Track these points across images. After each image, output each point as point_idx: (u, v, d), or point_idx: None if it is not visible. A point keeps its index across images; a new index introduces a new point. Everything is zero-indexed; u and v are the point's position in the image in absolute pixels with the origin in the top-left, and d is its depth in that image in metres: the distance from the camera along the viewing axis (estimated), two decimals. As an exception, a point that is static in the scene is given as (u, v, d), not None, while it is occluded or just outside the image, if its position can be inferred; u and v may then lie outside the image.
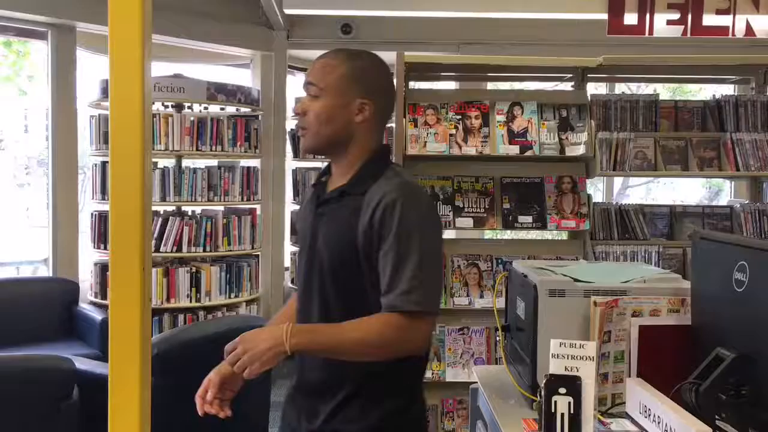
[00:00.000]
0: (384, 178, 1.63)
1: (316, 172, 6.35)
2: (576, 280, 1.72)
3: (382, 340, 1.52)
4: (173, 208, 5.32)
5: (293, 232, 6.06)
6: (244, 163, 5.71)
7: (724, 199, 6.24)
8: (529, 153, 3.40)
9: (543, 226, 3.43)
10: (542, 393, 1.27)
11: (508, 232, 3.59)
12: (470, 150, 3.39)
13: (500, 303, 2.07)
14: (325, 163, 1.79)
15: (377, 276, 1.57)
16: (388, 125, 5.69)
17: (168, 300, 5.12)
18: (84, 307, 5.02)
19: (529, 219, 3.42)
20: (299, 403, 1.71)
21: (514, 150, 3.40)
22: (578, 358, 1.27)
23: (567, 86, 3.87)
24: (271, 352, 1.48)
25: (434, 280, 1.60)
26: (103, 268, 5.09)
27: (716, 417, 1.36)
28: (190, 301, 5.18)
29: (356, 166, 1.67)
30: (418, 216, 1.58)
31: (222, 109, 5.53)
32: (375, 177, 1.63)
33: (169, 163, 5.32)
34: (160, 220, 5.16)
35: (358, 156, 1.67)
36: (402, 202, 1.55)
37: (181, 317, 5.20)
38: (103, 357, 4.24)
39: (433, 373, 3.35)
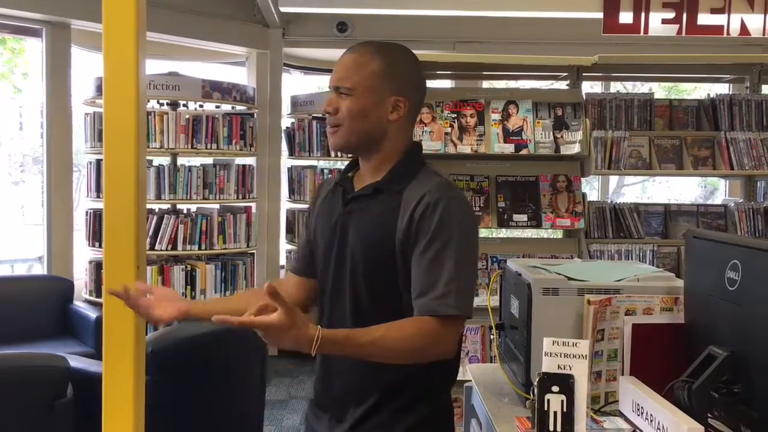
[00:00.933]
0: (421, 175, 1.60)
1: (312, 170, 6.30)
2: (570, 279, 1.72)
3: (413, 347, 1.47)
4: (168, 206, 5.32)
5: (288, 230, 6.06)
6: (240, 161, 5.71)
7: (719, 198, 6.26)
8: (524, 151, 3.40)
9: (538, 225, 3.43)
10: (535, 391, 1.28)
11: (503, 230, 3.60)
12: (465, 148, 3.40)
13: (495, 301, 2.07)
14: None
15: (411, 277, 1.53)
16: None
17: (163, 298, 5.10)
18: (78, 305, 5.01)
19: (524, 217, 3.43)
20: (324, 409, 1.66)
21: (509, 148, 3.40)
22: (571, 356, 1.27)
23: (562, 85, 3.88)
24: (292, 346, 1.40)
25: (469, 283, 1.55)
26: (97, 266, 5.08)
27: (708, 415, 1.37)
28: (185, 299, 5.16)
29: (389, 163, 1.62)
30: (458, 218, 1.53)
31: (217, 106, 5.52)
32: (411, 175, 1.60)
33: (164, 161, 5.31)
34: (155, 218, 5.15)
35: (391, 153, 1.62)
36: (443, 203, 1.52)
37: (176, 315, 5.19)
38: (97, 355, 4.23)
39: (428, 372, 3.35)
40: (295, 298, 1.76)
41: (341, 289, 1.61)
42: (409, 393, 1.56)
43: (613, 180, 7.31)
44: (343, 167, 1.77)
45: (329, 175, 5.71)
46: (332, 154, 5.69)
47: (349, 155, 1.73)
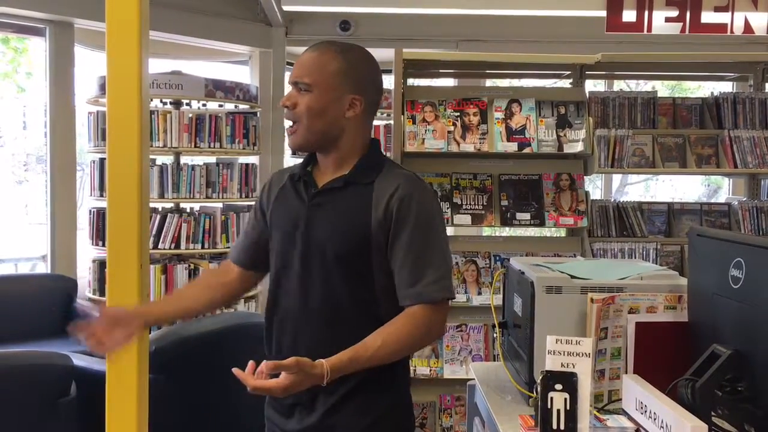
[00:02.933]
0: (386, 169, 1.69)
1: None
2: (573, 277, 1.72)
3: (413, 342, 1.61)
4: (171, 204, 5.32)
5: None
6: (243, 159, 5.71)
7: (722, 197, 6.25)
8: (527, 150, 3.40)
9: (541, 223, 3.43)
10: (538, 389, 1.28)
11: (506, 229, 3.59)
12: (468, 147, 3.39)
13: (498, 300, 2.07)
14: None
15: (385, 261, 1.62)
16: (387, 122, 5.69)
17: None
18: (82, 303, 5.02)
19: (527, 216, 3.42)
20: (290, 401, 1.69)
21: (513, 147, 3.40)
22: (575, 354, 1.27)
23: (565, 83, 3.87)
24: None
25: (450, 266, 1.67)
26: (101, 265, 5.09)
27: (712, 413, 1.36)
28: (189, 298, 5.17)
29: (353, 158, 1.69)
30: (433, 208, 1.66)
31: (220, 105, 5.52)
32: (378, 168, 1.68)
33: (167, 159, 5.32)
34: (159, 216, 5.15)
35: (351, 150, 1.69)
36: (417, 195, 1.62)
37: (179, 314, 5.19)
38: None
39: (430, 370, 3.36)
40: (230, 286, 1.89)
41: (310, 279, 1.66)
42: (378, 380, 1.63)
43: (616, 179, 7.29)
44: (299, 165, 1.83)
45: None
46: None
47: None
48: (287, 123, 1.72)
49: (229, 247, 5.39)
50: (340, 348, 1.54)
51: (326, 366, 1.47)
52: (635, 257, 3.52)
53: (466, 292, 3.39)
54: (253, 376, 1.46)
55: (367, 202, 1.63)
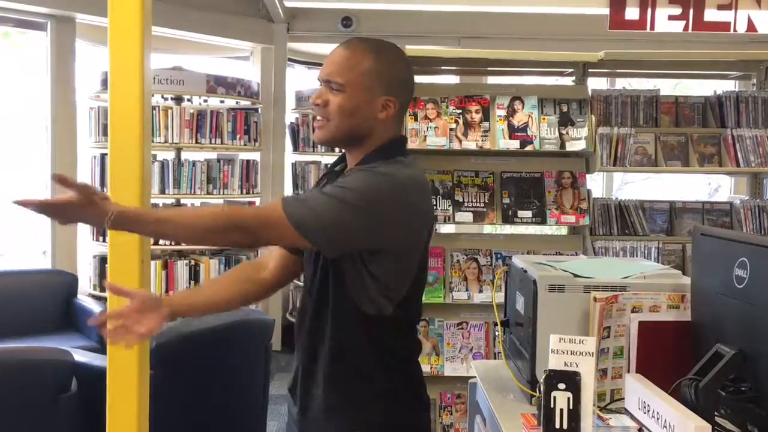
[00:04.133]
0: (391, 161, 1.59)
1: (316, 166, 6.32)
2: (576, 276, 1.72)
3: (214, 219, 1.50)
4: (172, 200, 5.32)
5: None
6: (244, 156, 5.70)
7: (723, 196, 6.24)
8: (529, 148, 3.39)
9: (543, 221, 3.42)
10: (541, 388, 1.27)
11: (508, 226, 3.58)
12: (470, 144, 3.39)
13: (499, 298, 2.07)
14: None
15: (369, 258, 1.54)
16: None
17: (167, 292, 5.12)
18: (83, 299, 5.02)
19: (528, 214, 3.42)
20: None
21: (515, 145, 3.39)
22: (578, 353, 1.27)
23: (568, 81, 3.86)
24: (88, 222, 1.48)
25: (339, 226, 1.49)
26: (102, 261, 5.09)
27: (716, 413, 1.36)
28: (189, 294, 5.18)
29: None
30: (376, 184, 1.51)
31: (222, 101, 5.52)
32: (381, 159, 1.59)
33: (168, 155, 5.31)
34: (160, 212, 5.15)
35: (375, 147, 1.63)
36: (375, 170, 1.53)
37: (179, 310, 5.20)
38: (101, 349, 4.23)
39: (431, 368, 3.35)
40: (265, 279, 1.80)
41: (313, 269, 1.63)
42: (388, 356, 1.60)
43: (617, 177, 7.28)
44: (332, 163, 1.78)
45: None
46: (336, 150, 5.68)
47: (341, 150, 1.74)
48: (317, 116, 1.65)
49: (229, 244, 5.38)
50: (322, 342, 1.56)
51: (114, 209, 1.44)
52: (637, 256, 3.51)
53: (467, 290, 3.39)
54: None
55: None
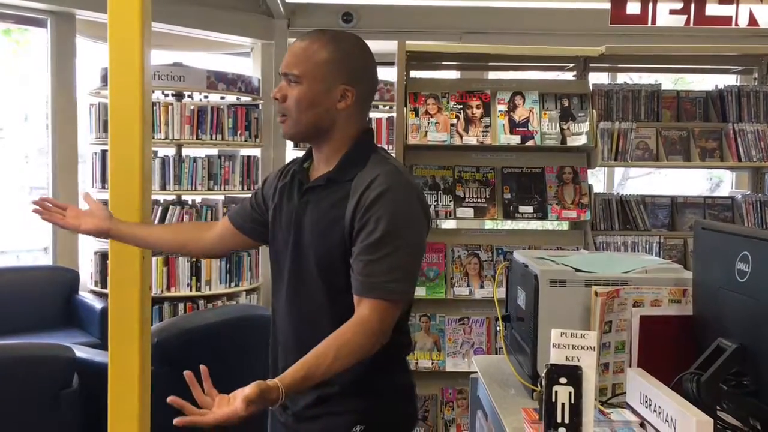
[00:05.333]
0: (371, 163, 1.59)
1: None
2: (577, 270, 1.71)
3: (364, 351, 1.49)
4: (173, 197, 5.32)
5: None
6: (245, 152, 5.70)
7: (724, 191, 6.23)
8: (530, 143, 3.38)
9: (544, 217, 3.42)
10: (543, 383, 1.27)
11: (509, 222, 3.58)
12: (471, 140, 3.38)
13: (500, 293, 2.07)
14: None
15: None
16: (389, 115, 5.65)
17: (168, 289, 5.12)
18: (84, 295, 5.02)
19: (529, 209, 3.41)
20: None
21: (516, 140, 3.38)
22: (579, 348, 1.26)
23: (569, 76, 3.85)
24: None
25: (410, 271, 1.56)
26: (103, 257, 5.08)
27: (717, 407, 1.36)
28: (191, 290, 5.18)
29: (340, 152, 1.62)
30: (405, 207, 1.54)
31: (222, 98, 5.51)
32: (361, 162, 1.59)
33: (169, 152, 5.31)
34: (160, 209, 5.15)
35: (341, 142, 1.62)
36: (391, 192, 1.52)
37: (181, 306, 5.20)
38: (102, 345, 4.24)
39: (432, 363, 3.35)
40: (208, 239, 1.90)
41: (299, 281, 1.62)
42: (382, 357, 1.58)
43: (618, 172, 7.28)
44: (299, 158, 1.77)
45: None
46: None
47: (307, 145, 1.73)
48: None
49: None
50: (317, 341, 1.52)
51: (281, 388, 1.40)
52: (638, 251, 3.51)
53: (468, 286, 3.38)
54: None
55: (344, 201, 1.55)
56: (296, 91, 1.57)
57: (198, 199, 5.45)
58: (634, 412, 1.43)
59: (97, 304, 4.75)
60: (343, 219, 1.54)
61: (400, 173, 1.60)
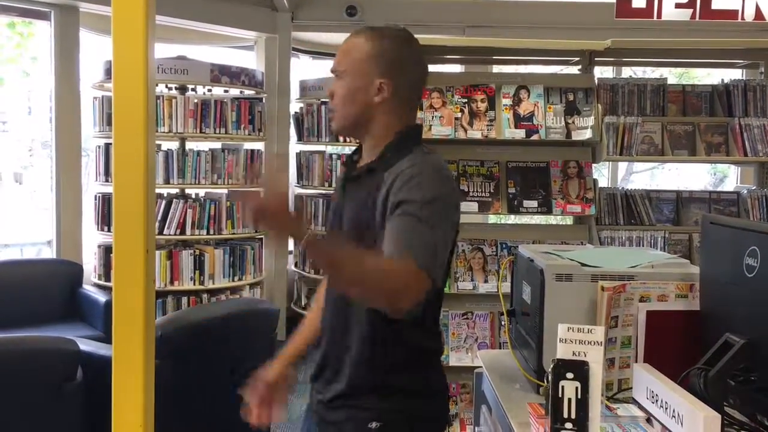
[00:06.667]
0: (411, 155, 1.59)
1: (320, 156, 6.31)
2: (583, 265, 1.71)
3: (396, 279, 1.41)
4: (177, 190, 5.32)
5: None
6: (248, 145, 5.69)
7: (729, 186, 6.21)
8: (535, 137, 3.37)
9: (548, 211, 3.41)
10: (549, 378, 1.26)
11: (513, 216, 3.57)
12: (476, 134, 3.37)
13: (505, 287, 2.06)
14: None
15: None
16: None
17: (171, 283, 5.12)
18: (88, 289, 5.03)
19: (534, 204, 3.40)
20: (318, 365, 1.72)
21: (520, 134, 3.37)
22: (586, 343, 1.26)
23: (574, 70, 3.84)
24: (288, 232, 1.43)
25: (438, 252, 1.50)
26: (106, 250, 5.09)
27: (725, 403, 1.35)
28: (194, 284, 5.19)
29: (383, 144, 1.63)
30: (436, 191, 1.51)
31: (226, 91, 5.50)
32: (402, 154, 1.59)
33: (172, 145, 5.30)
34: (164, 202, 5.15)
35: (384, 135, 1.63)
36: (423, 177, 1.51)
37: (184, 300, 5.21)
38: (106, 339, 4.24)
39: (436, 357, 3.35)
40: None
41: None
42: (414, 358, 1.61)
43: (622, 167, 7.26)
44: (350, 152, 1.80)
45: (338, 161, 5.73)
46: (340, 139, 5.68)
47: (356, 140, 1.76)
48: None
49: (234, 233, 5.39)
50: (353, 333, 1.57)
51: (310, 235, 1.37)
52: (643, 245, 3.50)
53: (472, 280, 3.38)
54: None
55: (378, 188, 1.55)
56: (339, 86, 1.63)
57: (201, 192, 5.45)
58: (640, 407, 1.43)
59: (101, 297, 4.76)
60: (376, 205, 1.54)
61: (442, 166, 1.61)
